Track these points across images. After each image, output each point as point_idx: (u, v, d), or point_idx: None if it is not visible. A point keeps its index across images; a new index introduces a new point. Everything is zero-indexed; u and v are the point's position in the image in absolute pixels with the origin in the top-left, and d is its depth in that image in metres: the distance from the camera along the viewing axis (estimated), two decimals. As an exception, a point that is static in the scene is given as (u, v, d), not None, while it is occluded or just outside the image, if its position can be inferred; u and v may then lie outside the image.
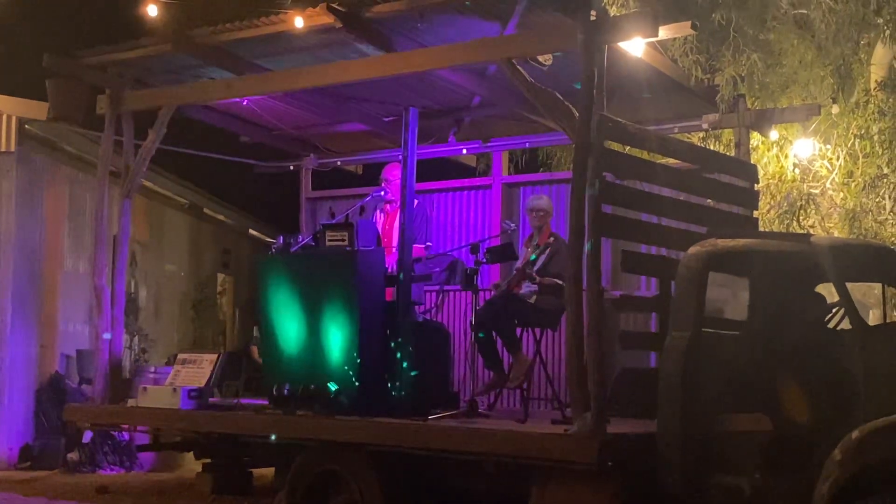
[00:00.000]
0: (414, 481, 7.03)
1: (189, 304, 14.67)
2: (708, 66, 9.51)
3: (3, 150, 11.06)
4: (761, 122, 9.18)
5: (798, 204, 10.02)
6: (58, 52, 8.90)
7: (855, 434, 5.29)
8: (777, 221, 9.98)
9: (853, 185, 9.83)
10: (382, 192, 8.46)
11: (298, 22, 7.58)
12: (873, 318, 8.79)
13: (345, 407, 7.27)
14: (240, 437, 7.95)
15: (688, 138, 9.96)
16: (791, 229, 9.82)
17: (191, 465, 10.02)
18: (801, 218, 10.02)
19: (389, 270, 7.76)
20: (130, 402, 8.47)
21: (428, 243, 8.29)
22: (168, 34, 8.24)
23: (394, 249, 7.91)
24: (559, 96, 6.80)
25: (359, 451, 7.02)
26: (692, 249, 6.22)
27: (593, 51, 6.51)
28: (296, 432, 7.39)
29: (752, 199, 8.14)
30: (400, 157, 7.72)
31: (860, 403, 5.44)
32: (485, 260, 7.81)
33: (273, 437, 7.47)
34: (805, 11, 9.81)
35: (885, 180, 9.77)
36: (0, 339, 10.95)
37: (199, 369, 8.31)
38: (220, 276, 16.25)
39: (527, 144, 10.70)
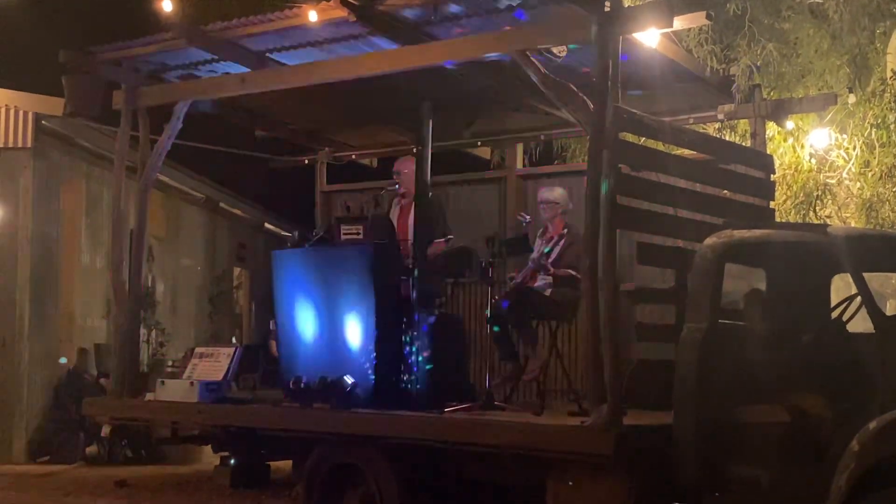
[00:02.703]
0: (430, 474, 7.04)
1: (206, 298, 14.74)
2: (723, 57, 9.47)
3: (20, 145, 11.13)
4: (777, 112, 9.13)
5: (814, 194, 9.98)
6: (73, 48, 8.93)
7: (873, 425, 5.28)
8: (793, 212, 9.95)
9: (870, 174, 9.79)
10: (396, 186, 8.47)
11: (312, 16, 7.59)
12: (890, 308, 8.76)
13: (361, 400, 7.29)
14: (257, 431, 7.99)
15: (703, 129, 9.93)
16: (807, 220, 9.79)
17: (209, 458, 10.08)
18: (817, 208, 9.99)
19: (405, 264, 7.77)
20: (148, 396, 8.52)
21: (449, 236, 8.27)
22: (182, 29, 8.26)
23: (409, 243, 7.92)
24: (574, 88, 6.79)
25: (375, 443, 7.03)
26: (708, 241, 6.21)
27: (608, 42, 6.49)
28: (312, 425, 7.41)
29: (768, 189, 8.11)
30: (414, 150, 7.72)
31: (878, 394, 5.42)
32: (500, 252, 7.80)
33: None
34: (820, 0, 9.76)
35: (901, 170, 9.73)
36: (18, 334, 11.02)
37: (216, 363, 8.34)
38: (237, 270, 16.31)
39: (541, 136, 10.68)
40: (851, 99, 9.69)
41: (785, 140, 10.13)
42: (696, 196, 7.52)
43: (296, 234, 8.19)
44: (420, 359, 7.35)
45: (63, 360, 11.37)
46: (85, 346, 11.72)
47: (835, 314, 6.04)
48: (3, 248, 11.15)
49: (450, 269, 8.16)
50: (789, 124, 9.56)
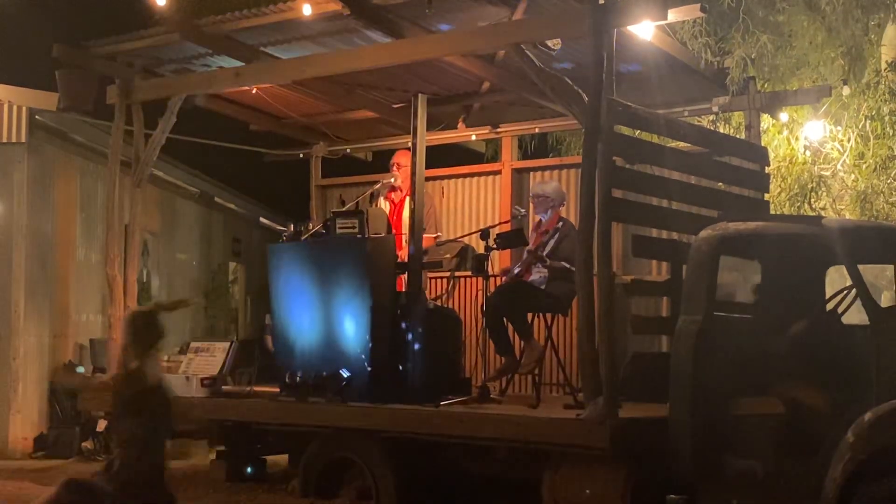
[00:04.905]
0: (426, 467, 7.05)
1: (201, 292, 14.72)
2: (718, 49, 9.48)
3: (14, 140, 11.09)
4: (772, 104, 9.13)
5: (809, 186, 9.99)
6: (67, 43, 8.91)
7: (867, 416, 5.30)
8: (788, 204, 9.96)
9: (864, 166, 9.81)
10: (393, 179, 8.45)
11: (306, 9, 7.58)
12: (885, 300, 8.78)
13: (357, 394, 7.30)
14: (253, 425, 8.00)
15: (698, 121, 9.93)
16: (802, 212, 9.80)
17: (205, 452, 10.07)
18: (812, 200, 10.00)
19: (399, 258, 7.77)
20: (144, 391, 8.50)
21: (438, 234, 8.28)
22: (176, 23, 8.25)
23: (403, 237, 7.92)
24: (568, 81, 6.79)
25: (371, 437, 7.04)
26: (703, 233, 6.22)
27: (602, 34, 6.49)
28: (308, 419, 7.42)
29: (762, 181, 8.12)
30: (409, 143, 7.72)
31: (872, 385, 5.44)
32: (495, 246, 7.81)
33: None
34: (814, -8, 9.78)
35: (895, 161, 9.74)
36: (13, 329, 11.00)
37: (211, 357, 8.34)
38: (232, 265, 16.29)
39: (536, 129, 10.68)
40: (846, 91, 9.69)
41: (779, 132, 10.14)
42: (691, 188, 7.53)
43: (291, 228, 8.18)
44: (416, 352, 7.36)
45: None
46: (80, 341, 11.70)
47: (830, 306, 6.06)
48: (-2, 243, 11.14)
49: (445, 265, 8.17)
50: (784, 116, 9.56)
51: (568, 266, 7.42)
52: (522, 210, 8.40)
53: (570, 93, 6.76)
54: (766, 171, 8.26)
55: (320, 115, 10.65)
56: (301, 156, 11.54)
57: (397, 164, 8.49)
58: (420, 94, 7.74)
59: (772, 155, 9.25)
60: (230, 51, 8.61)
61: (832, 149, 10.12)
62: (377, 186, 8.61)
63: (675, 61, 8.51)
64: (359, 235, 7.55)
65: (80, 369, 11.31)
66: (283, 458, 8.78)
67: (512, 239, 7.89)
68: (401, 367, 7.40)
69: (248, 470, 8.65)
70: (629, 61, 7.94)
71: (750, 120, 9.05)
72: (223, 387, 8.26)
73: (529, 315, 7.86)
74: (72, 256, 11.83)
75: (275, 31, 8.22)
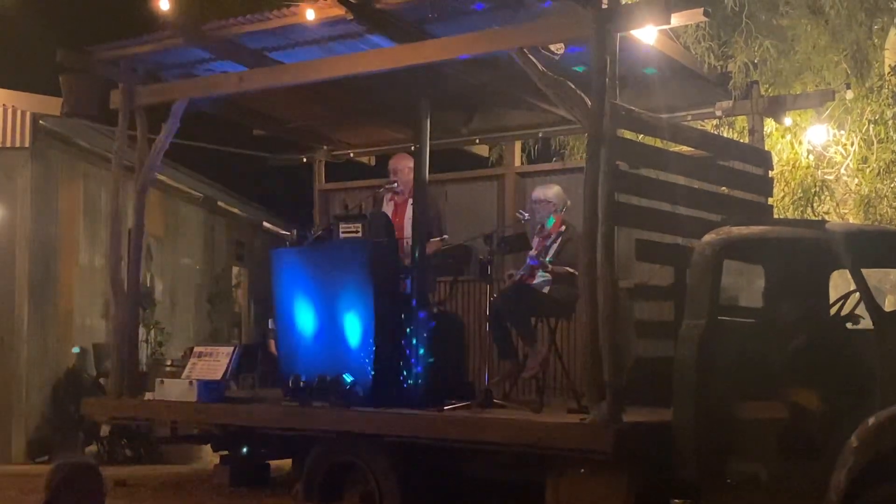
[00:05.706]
0: (430, 471, 7.04)
1: (204, 297, 14.74)
2: (721, 53, 9.47)
3: (18, 145, 11.12)
4: (775, 108, 9.14)
5: (812, 190, 9.98)
6: (71, 48, 8.93)
7: (871, 420, 5.29)
8: (791, 208, 9.95)
9: (868, 170, 9.80)
10: (394, 184, 8.46)
11: (309, 14, 7.59)
12: (889, 304, 8.77)
13: (360, 398, 7.29)
14: (256, 429, 7.99)
15: (701, 126, 9.93)
16: (806, 216, 9.79)
17: (208, 457, 10.08)
18: (815, 204, 9.99)
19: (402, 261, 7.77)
20: (147, 396, 8.52)
21: (445, 236, 8.28)
22: (180, 28, 8.26)
23: (406, 241, 7.92)
24: (572, 85, 6.79)
25: (374, 441, 7.04)
26: (707, 237, 6.22)
27: (605, 39, 6.49)
28: (312, 424, 7.41)
29: (766, 186, 8.12)
30: (412, 147, 7.72)
31: (876, 389, 5.43)
32: (499, 250, 7.80)
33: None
34: (817, -4, 9.76)
35: (899, 165, 9.73)
36: (17, 334, 11.02)
37: (215, 362, 8.34)
38: (235, 269, 16.32)
39: (540, 134, 10.67)
40: (849, 95, 9.68)
41: (783, 136, 10.13)
42: (695, 193, 7.53)
43: (294, 232, 8.19)
44: (419, 357, 7.36)
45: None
46: (84, 345, 11.72)
47: (833, 310, 6.06)
48: (2, 248, 11.15)
49: (447, 268, 8.16)
50: (787, 121, 9.56)
51: (571, 270, 7.42)
52: (526, 214, 8.39)
53: (573, 97, 6.76)
54: (770, 175, 8.26)
55: (323, 119, 10.66)
56: (304, 160, 11.56)
57: (394, 169, 8.48)
58: (423, 99, 7.74)
59: (775, 159, 9.25)
60: (234, 55, 8.62)
61: (836, 153, 10.11)
62: (380, 190, 8.61)
63: (679, 65, 8.51)
64: (362, 240, 7.55)
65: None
66: (286, 463, 8.79)
67: (516, 243, 7.89)
68: (404, 372, 7.40)
69: (251, 474, 8.66)
70: (632, 66, 7.93)
71: (753, 124, 9.06)
72: (226, 392, 8.25)
73: (533, 319, 7.85)
74: (75, 261, 11.86)
75: (278, 35, 8.23)
